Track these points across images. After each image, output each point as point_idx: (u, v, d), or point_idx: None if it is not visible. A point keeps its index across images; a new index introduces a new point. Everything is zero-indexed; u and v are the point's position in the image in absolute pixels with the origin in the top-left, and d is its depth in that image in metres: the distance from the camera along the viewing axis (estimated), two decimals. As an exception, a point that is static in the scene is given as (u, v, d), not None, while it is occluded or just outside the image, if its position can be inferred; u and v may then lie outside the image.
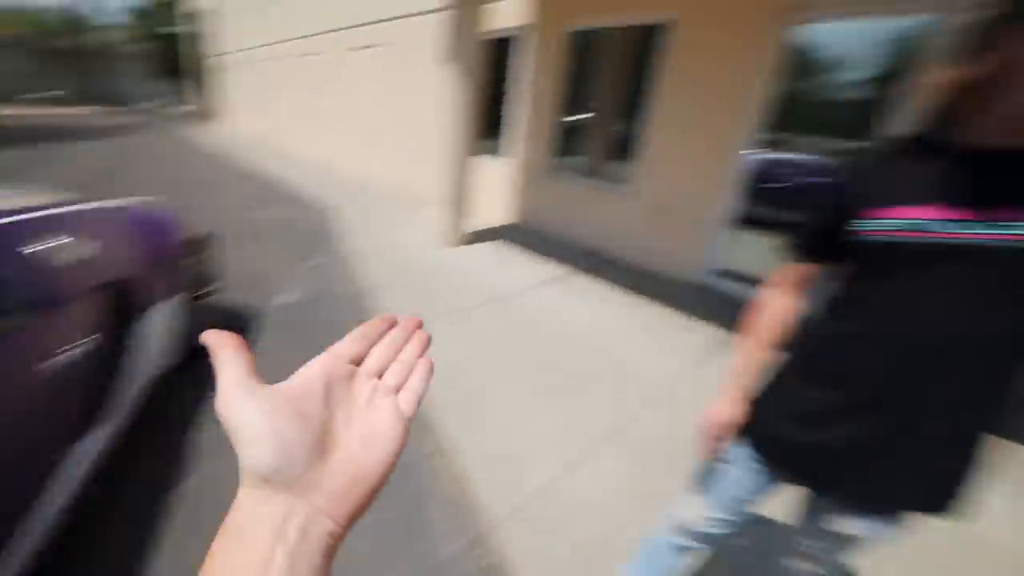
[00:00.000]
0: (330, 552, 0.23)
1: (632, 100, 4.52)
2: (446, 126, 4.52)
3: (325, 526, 0.23)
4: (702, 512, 1.10)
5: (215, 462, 1.96)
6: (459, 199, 4.73)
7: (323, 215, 5.99)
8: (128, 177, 8.29)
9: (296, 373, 0.28)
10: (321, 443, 0.25)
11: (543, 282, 4.00)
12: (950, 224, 0.71)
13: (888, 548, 0.96)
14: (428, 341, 0.35)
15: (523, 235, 5.33)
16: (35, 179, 7.40)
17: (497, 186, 5.95)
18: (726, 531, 1.09)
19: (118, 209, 2.34)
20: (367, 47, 8.04)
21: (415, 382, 0.32)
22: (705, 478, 1.10)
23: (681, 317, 3.54)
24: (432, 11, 6.28)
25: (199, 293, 2.78)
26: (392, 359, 0.32)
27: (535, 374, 2.64)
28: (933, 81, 0.78)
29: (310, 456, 0.24)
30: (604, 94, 4.91)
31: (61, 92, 26.96)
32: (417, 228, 5.38)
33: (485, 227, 5.42)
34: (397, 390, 0.31)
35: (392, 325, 0.34)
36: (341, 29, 8.71)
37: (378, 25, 7.62)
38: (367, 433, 0.27)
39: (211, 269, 3.02)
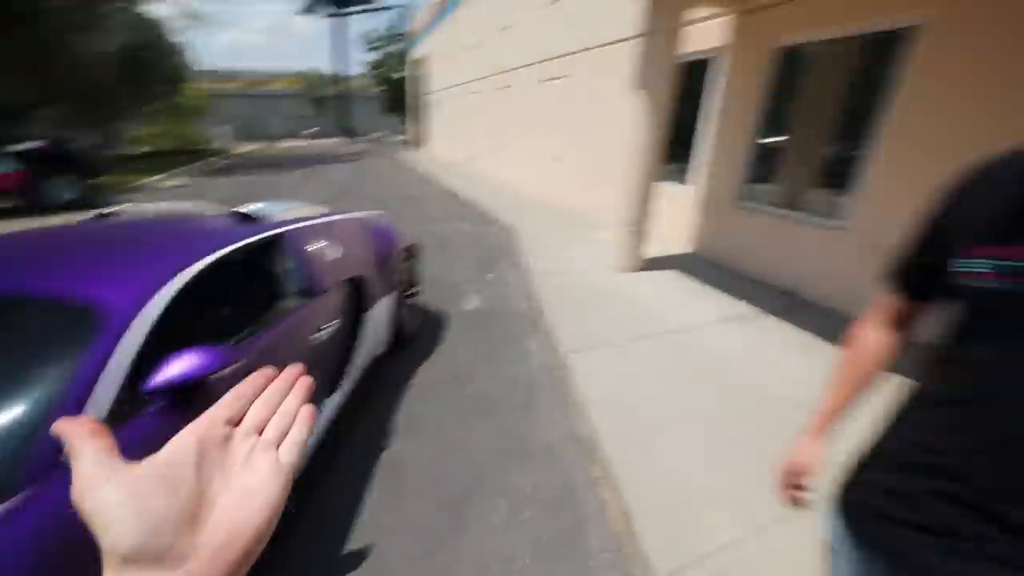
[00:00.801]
0: None
1: (848, 120, 3.87)
2: (631, 151, 4.50)
3: None
4: None
5: (408, 440, 2.24)
6: (639, 224, 4.63)
7: (506, 232, 6.48)
8: (358, 193, 10.20)
9: (167, 444, 0.28)
10: (194, 511, 0.25)
11: (724, 319, 3.64)
12: None
13: None
14: (310, 388, 0.34)
15: (702, 266, 4.95)
16: (304, 195, 9.57)
17: (678, 213, 5.66)
18: None
19: (357, 220, 2.87)
20: (555, 79, 8.55)
21: (295, 432, 0.32)
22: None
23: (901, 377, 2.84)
24: (617, 41, 6.38)
25: (407, 292, 3.24)
26: (272, 413, 0.32)
27: (715, 419, 2.40)
28: None
29: (179, 526, 0.24)
30: (810, 114, 4.32)
31: (319, 128, 35.07)
32: (593, 250, 5.43)
33: (662, 254, 5.21)
34: (278, 443, 0.31)
35: (271, 379, 0.34)
36: (532, 64, 9.46)
37: (565, 58, 8.06)
38: (243, 491, 0.27)
39: (416, 273, 3.50)
